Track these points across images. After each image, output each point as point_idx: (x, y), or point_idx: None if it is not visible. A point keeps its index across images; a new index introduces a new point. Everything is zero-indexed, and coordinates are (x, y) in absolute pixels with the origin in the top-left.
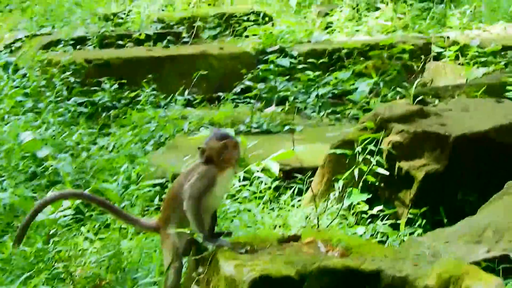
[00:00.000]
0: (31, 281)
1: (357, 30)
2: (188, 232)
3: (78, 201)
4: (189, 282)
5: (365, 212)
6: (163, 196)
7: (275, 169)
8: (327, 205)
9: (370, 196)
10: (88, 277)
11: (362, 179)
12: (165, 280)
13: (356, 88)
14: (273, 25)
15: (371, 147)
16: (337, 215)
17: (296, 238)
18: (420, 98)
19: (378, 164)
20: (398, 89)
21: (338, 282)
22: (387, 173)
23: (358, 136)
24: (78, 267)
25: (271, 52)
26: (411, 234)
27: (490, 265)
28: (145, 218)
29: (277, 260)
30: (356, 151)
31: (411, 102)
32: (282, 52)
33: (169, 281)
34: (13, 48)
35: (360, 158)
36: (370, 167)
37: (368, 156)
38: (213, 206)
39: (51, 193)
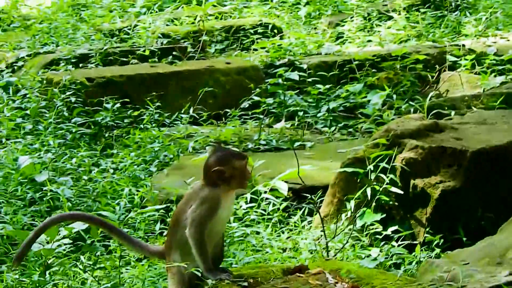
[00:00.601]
0: None
1: (369, 40)
2: (185, 266)
3: (77, 229)
4: None
5: (379, 233)
6: (168, 219)
7: (284, 189)
8: (336, 227)
9: (384, 216)
10: None
11: (375, 198)
12: None
13: (369, 101)
14: (282, 37)
15: (383, 164)
16: (348, 238)
17: (302, 269)
18: (435, 111)
19: (392, 182)
20: (412, 102)
21: None
22: (401, 192)
23: (369, 153)
24: None
25: (280, 66)
26: (428, 255)
27: None
28: (150, 244)
29: None
30: (368, 169)
31: (424, 115)
32: (291, 65)
33: None
34: (15, 67)
35: (373, 177)
36: (383, 185)
37: (381, 174)
38: (218, 231)
39: (59, 213)
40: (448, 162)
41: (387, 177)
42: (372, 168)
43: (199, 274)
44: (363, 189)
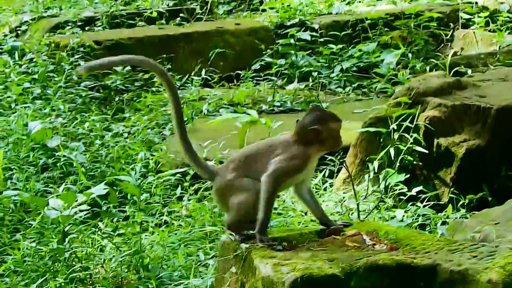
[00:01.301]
0: (48, 285)
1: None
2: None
3: (94, 195)
4: (220, 284)
5: (403, 194)
6: (185, 184)
7: None
8: (367, 188)
9: (407, 176)
10: (108, 277)
11: (399, 158)
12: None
13: (382, 61)
14: None
15: (407, 123)
16: (379, 200)
17: (337, 230)
18: (455, 69)
19: (415, 141)
20: (430, 60)
21: (389, 279)
22: (426, 151)
23: (392, 113)
24: (97, 266)
25: (291, 26)
26: (454, 216)
27: None
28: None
29: (319, 257)
30: (390, 128)
31: (446, 73)
32: (302, 25)
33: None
34: (19, 32)
35: (396, 136)
36: (407, 145)
37: (404, 134)
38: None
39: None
40: (472, 120)
41: (411, 136)
42: (395, 128)
43: (232, 238)
44: (386, 149)
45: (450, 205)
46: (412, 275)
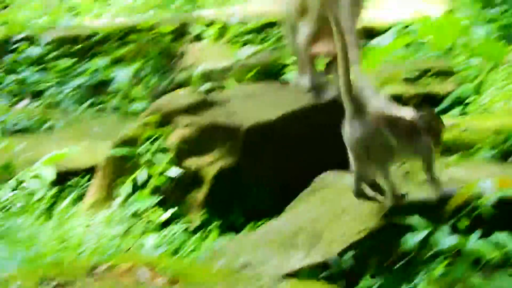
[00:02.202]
0: None
1: (103, 13)
2: None
3: None
4: None
5: (157, 218)
6: None
7: (50, 174)
8: (113, 213)
9: (160, 198)
10: None
11: (149, 181)
12: None
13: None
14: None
15: (157, 144)
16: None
17: (111, 265)
18: (201, 86)
19: (166, 164)
20: (165, 75)
21: None
22: (174, 174)
23: (140, 133)
24: None
25: (18, 41)
26: (205, 239)
27: (312, 272)
28: None
29: None
30: (139, 150)
31: (193, 90)
32: (30, 40)
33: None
34: None
35: (145, 159)
36: (158, 168)
37: (154, 155)
38: None
39: None
40: (222, 140)
41: (163, 158)
42: (144, 150)
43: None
44: (135, 173)
45: (214, 232)
46: None
